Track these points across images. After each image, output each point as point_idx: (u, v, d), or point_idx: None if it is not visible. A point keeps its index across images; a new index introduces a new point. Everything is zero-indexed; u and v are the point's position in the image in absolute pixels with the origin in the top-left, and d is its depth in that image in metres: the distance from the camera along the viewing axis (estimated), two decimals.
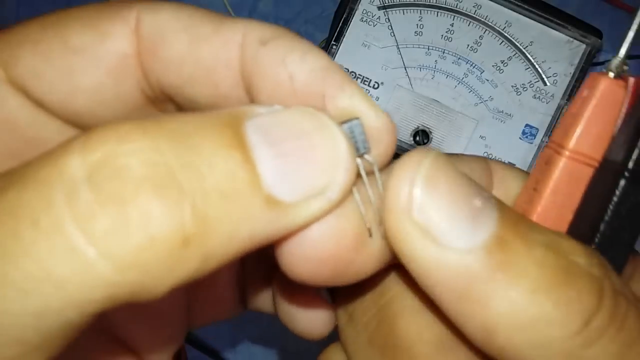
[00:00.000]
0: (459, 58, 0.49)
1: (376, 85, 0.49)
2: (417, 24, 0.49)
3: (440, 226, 0.18)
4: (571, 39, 0.49)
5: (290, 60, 0.20)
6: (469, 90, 0.49)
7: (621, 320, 0.18)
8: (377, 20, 0.49)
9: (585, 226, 0.21)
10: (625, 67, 0.22)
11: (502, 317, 0.18)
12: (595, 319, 0.18)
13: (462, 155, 0.26)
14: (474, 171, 0.25)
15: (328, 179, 0.18)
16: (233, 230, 0.16)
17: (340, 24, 0.49)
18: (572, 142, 0.21)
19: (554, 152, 0.22)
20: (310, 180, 0.18)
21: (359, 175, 0.19)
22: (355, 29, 0.49)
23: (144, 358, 0.28)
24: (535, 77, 0.49)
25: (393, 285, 0.23)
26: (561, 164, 0.22)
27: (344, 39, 0.49)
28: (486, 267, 0.18)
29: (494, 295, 0.18)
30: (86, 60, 0.21)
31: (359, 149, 0.19)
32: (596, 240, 0.20)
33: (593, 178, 0.22)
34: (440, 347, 0.21)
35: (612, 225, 0.20)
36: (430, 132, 0.49)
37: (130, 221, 0.15)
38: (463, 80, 0.49)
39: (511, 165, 0.26)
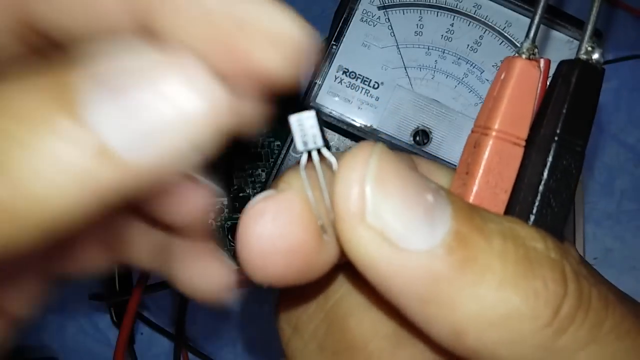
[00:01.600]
0: (459, 58, 0.49)
1: (376, 86, 0.49)
2: (417, 24, 0.49)
3: (396, 228, 0.17)
4: (571, 39, 0.49)
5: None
6: (469, 91, 0.49)
7: (587, 302, 0.18)
8: (377, 20, 0.49)
9: (525, 199, 0.22)
10: (535, 50, 0.23)
11: (471, 317, 0.17)
12: (563, 307, 0.17)
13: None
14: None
15: (164, 127, 0.15)
16: (65, 195, 0.14)
17: (340, 24, 0.49)
18: (497, 122, 0.22)
19: (480, 135, 0.23)
20: (143, 128, 0.15)
21: (311, 169, 0.19)
22: (355, 29, 0.49)
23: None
24: None
25: (339, 286, 0.22)
26: (490, 144, 0.22)
27: (344, 39, 0.49)
28: (449, 266, 0.17)
29: (461, 295, 0.17)
30: None
31: (307, 143, 0.18)
32: (536, 204, 0.22)
33: (524, 157, 0.23)
34: (397, 340, 0.20)
35: (549, 187, 0.21)
36: (431, 132, 0.49)
37: None
38: (463, 80, 0.49)
39: (434, 160, 0.25)
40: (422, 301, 0.17)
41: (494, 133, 0.22)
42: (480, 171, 0.22)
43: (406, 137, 0.49)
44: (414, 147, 0.49)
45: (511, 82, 0.22)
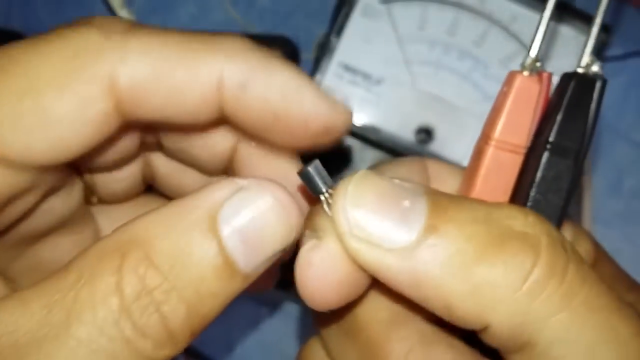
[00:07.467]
0: (463, 53, 0.48)
1: (377, 82, 0.48)
2: (420, 19, 0.48)
3: (378, 234, 0.21)
4: (577, 34, 0.48)
5: (272, 101, 0.22)
6: (474, 87, 0.48)
7: (561, 273, 0.20)
8: (379, 14, 0.48)
9: (519, 201, 0.25)
10: (538, 64, 0.25)
11: (453, 292, 0.21)
12: (532, 274, 0.20)
13: (401, 159, 0.30)
14: (411, 171, 0.28)
15: (284, 244, 0.22)
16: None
17: (341, 18, 0.47)
18: (496, 132, 0.25)
19: (483, 144, 0.25)
20: (266, 250, 0.22)
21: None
22: (356, 24, 0.48)
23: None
24: None
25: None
26: (489, 153, 0.25)
27: (345, 34, 0.48)
28: (427, 255, 0.21)
29: (442, 276, 0.20)
30: (69, 129, 0.21)
31: (326, 184, 0.22)
32: (529, 204, 0.24)
33: (524, 164, 0.25)
34: (392, 323, 0.24)
35: (540, 190, 0.24)
36: (434, 130, 0.48)
37: None
38: (467, 76, 0.48)
39: (446, 161, 0.29)
40: (415, 286, 0.21)
41: (493, 142, 0.25)
42: (480, 178, 0.25)
43: (409, 135, 0.48)
44: (417, 145, 0.48)
45: (510, 96, 0.25)
